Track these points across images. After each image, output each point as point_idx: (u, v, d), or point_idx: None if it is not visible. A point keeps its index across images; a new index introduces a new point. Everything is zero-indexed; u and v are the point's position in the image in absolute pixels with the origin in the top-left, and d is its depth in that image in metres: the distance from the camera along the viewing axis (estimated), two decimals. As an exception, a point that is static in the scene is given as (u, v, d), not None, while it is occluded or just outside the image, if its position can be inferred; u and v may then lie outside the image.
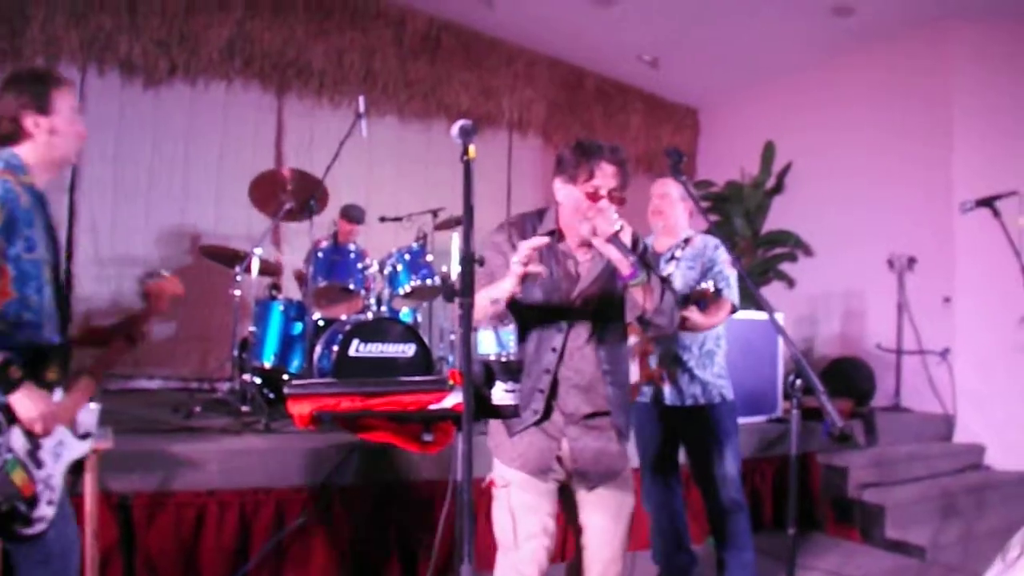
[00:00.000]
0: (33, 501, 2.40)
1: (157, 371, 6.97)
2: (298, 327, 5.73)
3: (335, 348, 5.34)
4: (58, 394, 2.56)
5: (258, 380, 5.46)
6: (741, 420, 4.13)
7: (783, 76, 8.45)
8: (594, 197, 2.58)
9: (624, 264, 2.49)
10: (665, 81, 9.27)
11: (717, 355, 3.97)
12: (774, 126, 8.47)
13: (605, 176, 2.60)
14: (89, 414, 3.41)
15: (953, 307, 6.90)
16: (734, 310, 3.81)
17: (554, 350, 2.64)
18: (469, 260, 1.86)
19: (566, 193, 2.69)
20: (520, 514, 2.61)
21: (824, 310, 7.86)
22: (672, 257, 3.97)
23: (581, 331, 2.68)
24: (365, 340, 5.39)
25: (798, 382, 2.55)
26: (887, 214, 7.35)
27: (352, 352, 5.35)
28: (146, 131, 7.03)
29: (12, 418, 2.38)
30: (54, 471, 2.50)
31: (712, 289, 3.54)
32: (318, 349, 5.48)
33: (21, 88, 2.54)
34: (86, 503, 3.39)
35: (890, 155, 7.37)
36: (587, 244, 2.66)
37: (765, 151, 8.36)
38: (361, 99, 5.30)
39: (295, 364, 5.68)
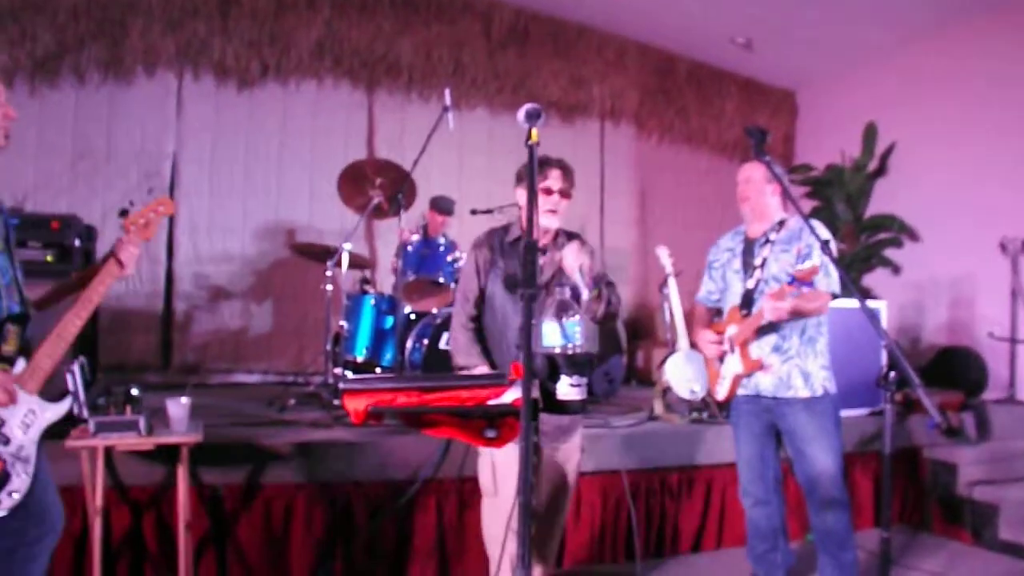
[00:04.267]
0: (3, 479, 2.38)
1: (256, 365, 7.14)
2: (389, 321, 5.77)
3: (426, 341, 5.36)
4: (20, 364, 2.51)
5: (350, 374, 5.52)
6: (843, 413, 3.95)
7: (884, 55, 8.10)
8: (547, 192, 3.30)
9: (584, 288, 3.13)
10: (760, 64, 9.01)
11: (819, 342, 3.79)
12: (876, 106, 8.14)
13: (554, 178, 3.34)
14: (180, 408, 3.51)
15: (1073, 292, 6.50)
16: (834, 296, 3.66)
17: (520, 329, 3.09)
18: (532, 248, 1.80)
19: (524, 195, 3.37)
20: (500, 467, 3.13)
21: (932, 297, 7.50)
22: (767, 241, 3.83)
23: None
24: (455, 333, 5.40)
25: (892, 375, 2.40)
26: (998, 195, 6.96)
27: (442, 345, 5.37)
28: (240, 132, 7.19)
29: None
30: (25, 441, 2.47)
31: (807, 265, 3.34)
32: (409, 342, 5.51)
33: None
34: (179, 495, 3.47)
35: (1000, 133, 6.99)
36: (546, 244, 3.36)
37: (867, 132, 8.06)
38: (447, 92, 5.29)
39: (387, 357, 5.72)
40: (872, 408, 5.65)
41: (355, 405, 1.96)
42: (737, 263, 3.93)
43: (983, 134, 7.20)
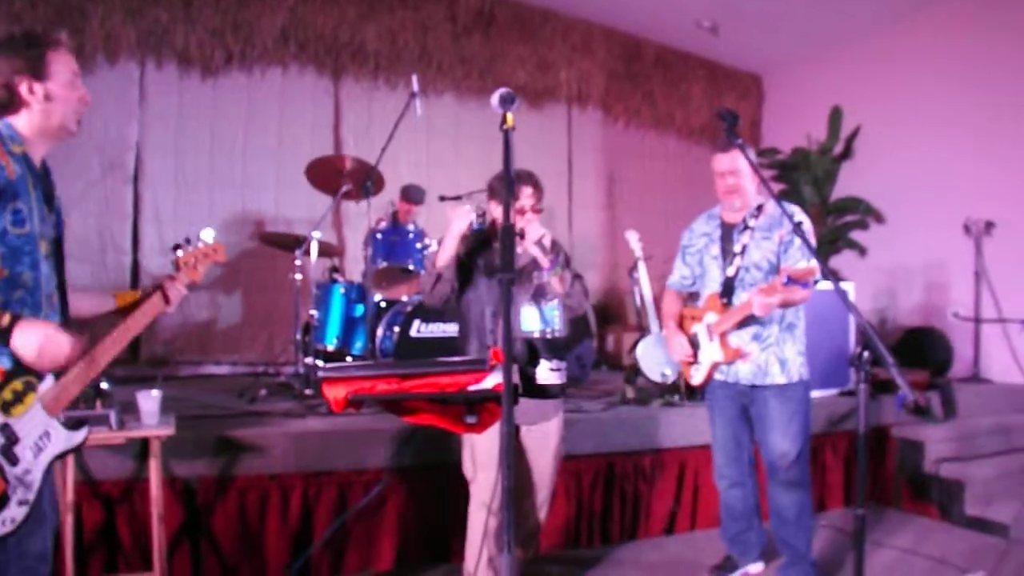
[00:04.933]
0: (1, 501, 2.19)
1: (224, 357, 7.06)
2: (359, 309, 5.74)
3: (396, 329, 5.35)
4: (49, 381, 2.33)
5: (321, 363, 5.49)
6: (813, 394, 4.00)
7: (850, 39, 8.15)
8: (521, 212, 3.36)
9: (544, 259, 3.21)
10: (726, 48, 9.03)
11: (797, 328, 3.83)
12: (841, 90, 8.20)
13: (526, 196, 3.40)
14: (150, 401, 3.47)
15: (1035, 272, 6.61)
16: (816, 281, 3.61)
17: (495, 315, 3.26)
18: (509, 233, 1.78)
19: (497, 211, 3.46)
20: (480, 454, 3.23)
21: (897, 279, 7.59)
22: (745, 227, 3.80)
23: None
24: (426, 320, 5.41)
25: (866, 354, 2.43)
26: (962, 178, 7.05)
27: (414, 333, 5.37)
28: (205, 121, 7.09)
29: None
30: (32, 466, 2.28)
31: (803, 265, 3.32)
32: (380, 331, 5.49)
33: (15, 51, 2.35)
34: (151, 488, 3.44)
35: (964, 116, 7.06)
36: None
37: (832, 116, 8.12)
38: (415, 78, 5.26)
39: (358, 346, 5.69)
40: (841, 388, 5.72)
41: (334, 393, 1.95)
42: (715, 249, 3.90)
43: (947, 117, 7.27)
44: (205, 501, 3.82)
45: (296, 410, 4.71)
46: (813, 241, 3.64)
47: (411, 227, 5.90)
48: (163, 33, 6.81)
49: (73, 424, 2.41)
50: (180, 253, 2.69)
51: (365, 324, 5.59)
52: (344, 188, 5.51)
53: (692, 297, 4.15)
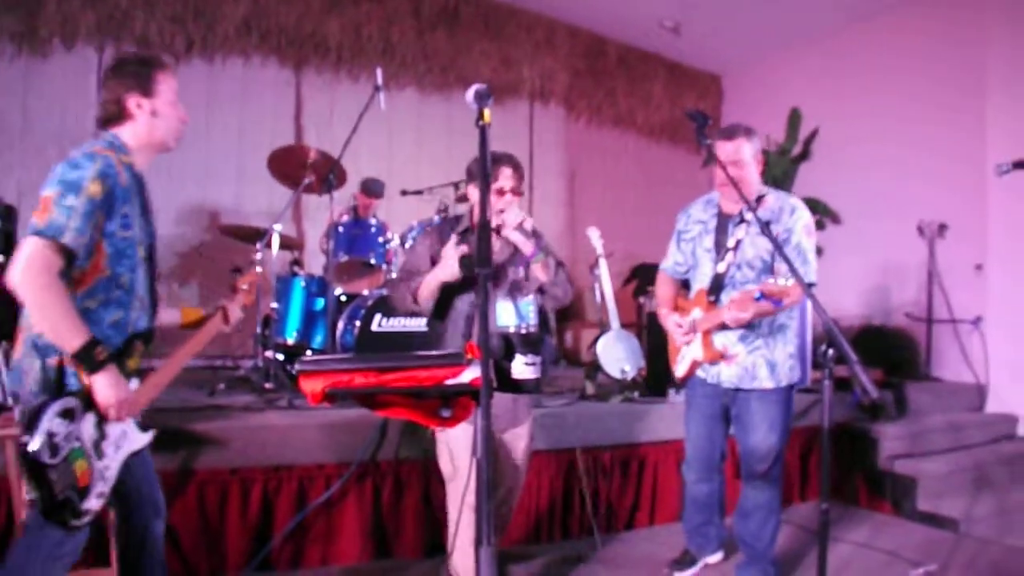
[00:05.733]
0: (85, 492, 2.35)
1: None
2: (320, 303, 5.69)
3: (357, 323, 5.31)
4: (135, 383, 2.54)
5: (281, 357, 5.45)
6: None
7: (809, 41, 8.29)
8: (500, 193, 3.27)
9: (527, 245, 3.22)
10: (687, 48, 9.12)
11: (789, 329, 3.69)
12: (800, 92, 8.32)
13: (506, 178, 3.29)
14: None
15: (985, 274, 6.75)
16: (810, 285, 3.40)
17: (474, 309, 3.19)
18: (486, 227, 1.78)
19: (476, 194, 3.24)
20: (456, 451, 3.23)
21: (852, 278, 7.70)
22: (742, 220, 3.60)
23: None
24: (387, 315, 5.37)
25: (830, 352, 2.46)
26: (917, 180, 7.19)
27: (375, 327, 5.34)
28: (164, 108, 6.97)
29: (88, 405, 2.37)
30: (112, 462, 2.47)
31: (781, 284, 3.10)
32: (340, 324, 5.45)
33: (126, 71, 2.55)
34: (109, 482, 3.38)
35: (920, 120, 7.21)
36: (496, 234, 3.28)
37: (791, 117, 8.22)
38: (379, 71, 5.23)
39: (318, 340, 5.65)
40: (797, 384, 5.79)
41: (311, 386, 1.94)
42: (708, 241, 3.73)
43: (895, 122, 7.43)
44: (164, 495, 3.76)
45: (256, 404, 4.67)
46: (812, 239, 3.62)
47: (373, 221, 5.87)
48: (123, 17, 6.68)
49: (143, 426, 2.65)
50: (238, 276, 3.08)
51: (325, 318, 5.55)
52: (306, 180, 5.46)
53: (687, 285, 3.98)
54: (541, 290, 3.33)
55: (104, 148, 2.45)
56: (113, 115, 2.54)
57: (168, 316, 3.01)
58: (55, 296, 2.28)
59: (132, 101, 2.52)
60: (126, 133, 2.55)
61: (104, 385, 2.35)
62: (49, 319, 2.29)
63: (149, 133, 2.58)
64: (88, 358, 2.31)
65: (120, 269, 2.47)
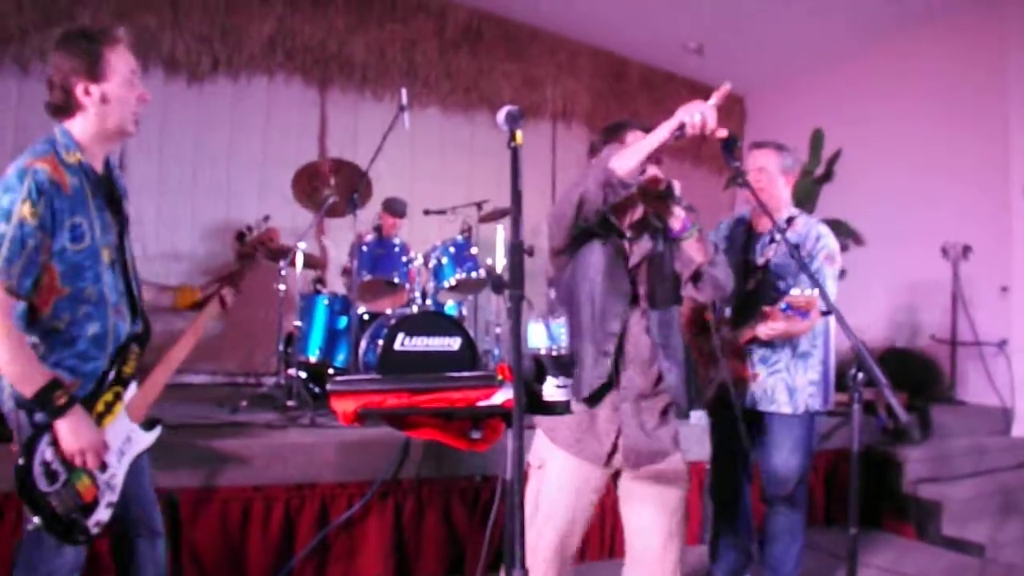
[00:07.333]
0: (91, 507, 2.29)
1: (203, 366, 6.99)
2: (343, 321, 5.71)
3: (380, 342, 5.30)
4: (132, 388, 2.45)
5: (303, 375, 5.46)
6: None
7: (832, 62, 8.28)
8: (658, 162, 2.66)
9: (678, 216, 2.60)
10: (710, 69, 9.09)
11: (812, 357, 3.64)
12: (823, 113, 8.30)
13: (637, 140, 2.65)
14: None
15: (1011, 296, 6.71)
16: (824, 313, 3.33)
17: (617, 316, 2.63)
18: (518, 249, 1.78)
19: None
20: (546, 495, 2.62)
21: (876, 301, 7.65)
22: (771, 240, 3.60)
23: (636, 306, 2.70)
24: (410, 334, 5.35)
25: (859, 376, 2.44)
26: (941, 202, 7.15)
27: (398, 346, 5.32)
28: (189, 127, 7.06)
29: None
30: (118, 470, 2.38)
31: (807, 294, 3.09)
32: (363, 343, 5.45)
33: (71, 50, 2.28)
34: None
35: (944, 141, 7.18)
36: (635, 224, 2.73)
37: (814, 138, 8.20)
38: (403, 92, 5.26)
39: (340, 358, 5.66)
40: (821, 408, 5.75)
41: (343, 407, 1.93)
42: (736, 258, 3.68)
43: (919, 143, 7.40)
44: (186, 512, 3.78)
45: (278, 421, 4.67)
46: (833, 268, 3.60)
47: (396, 240, 5.89)
48: (151, 38, 6.76)
49: (147, 425, 2.53)
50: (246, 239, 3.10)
51: (348, 336, 5.56)
52: (330, 200, 5.48)
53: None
54: (696, 276, 2.70)
55: (39, 157, 2.19)
56: (61, 105, 2.29)
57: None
58: (3, 340, 2.12)
59: (79, 88, 2.27)
60: (76, 126, 2.31)
61: (66, 432, 2.18)
62: (2, 364, 2.15)
63: (101, 122, 2.32)
64: (47, 403, 2.15)
65: (81, 284, 2.27)
